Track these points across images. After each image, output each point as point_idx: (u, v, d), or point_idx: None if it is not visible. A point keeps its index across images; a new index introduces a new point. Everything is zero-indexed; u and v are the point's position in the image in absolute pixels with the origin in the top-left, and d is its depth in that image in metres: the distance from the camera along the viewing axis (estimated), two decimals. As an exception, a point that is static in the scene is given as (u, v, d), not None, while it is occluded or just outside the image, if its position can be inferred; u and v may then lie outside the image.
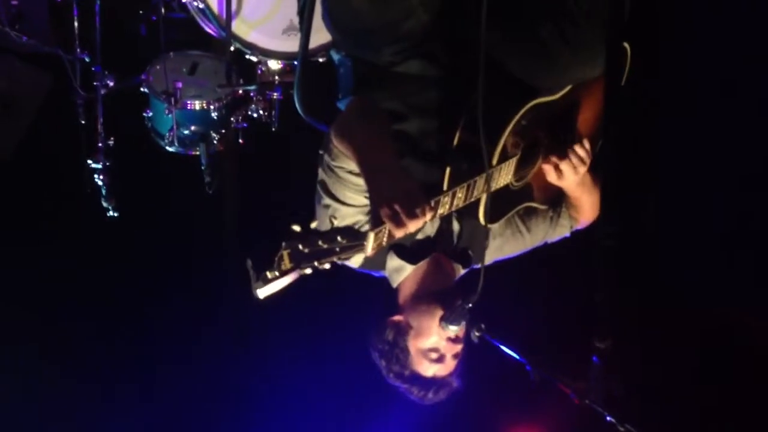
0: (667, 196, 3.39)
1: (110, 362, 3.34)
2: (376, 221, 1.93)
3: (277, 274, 1.82)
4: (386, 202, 1.92)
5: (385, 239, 1.94)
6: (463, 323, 2.19)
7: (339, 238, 1.85)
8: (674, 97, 3.32)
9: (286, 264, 1.81)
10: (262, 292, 1.83)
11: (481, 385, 2.37)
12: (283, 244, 1.81)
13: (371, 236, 1.90)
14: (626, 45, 2.17)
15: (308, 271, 1.84)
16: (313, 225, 1.86)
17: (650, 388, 2.97)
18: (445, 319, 2.22)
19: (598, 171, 2.32)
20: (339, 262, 1.86)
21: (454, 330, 2.22)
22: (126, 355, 3.36)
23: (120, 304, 3.46)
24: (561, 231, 2.47)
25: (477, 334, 2.19)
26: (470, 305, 2.16)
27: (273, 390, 3.33)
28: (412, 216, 1.90)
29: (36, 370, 3.27)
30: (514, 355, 2.09)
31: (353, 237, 1.87)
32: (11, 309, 3.35)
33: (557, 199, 2.43)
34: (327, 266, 1.87)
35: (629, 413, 1.78)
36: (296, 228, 1.82)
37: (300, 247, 1.82)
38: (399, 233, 1.92)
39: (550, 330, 3.17)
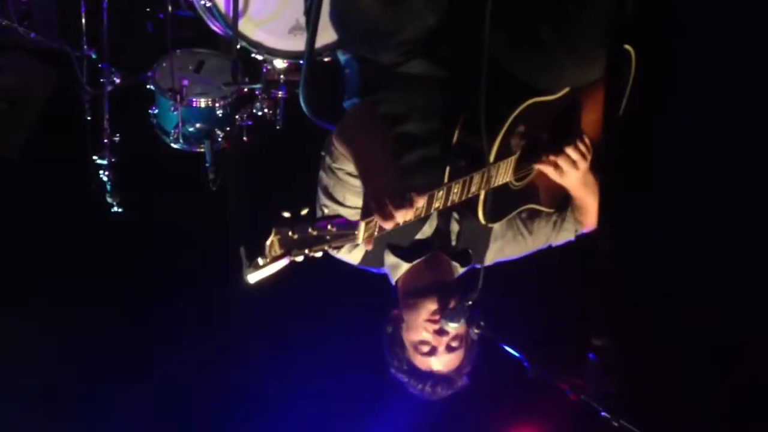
0: (669, 197, 3.40)
1: (113, 357, 3.35)
2: (366, 213, 1.93)
3: (267, 260, 1.80)
4: (375, 194, 1.92)
5: (375, 230, 1.92)
6: (463, 321, 2.21)
7: (329, 227, 1.84)
8: (679, 96, 3.34)
9: (276, 250, 1.80)
10: (252, 278, 1.82)
11: (479, 381, 2.39)
12: (273, 230, 1.80)
13: (362, 226, 1.88)
14: (630, 49, 2.18)
15: (299, 258, 1.83)
16: (304, 212, 1.83)
17: (646, 385, 3.00)
18: (444, 317, 2.24)
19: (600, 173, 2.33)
20: (331, 250, 1.85)
21: (453, 327, 2.25)
22: (128, 351, 3.37)
23: (123, 299, 3.47)
24: (565, 235, 2.47)
25: (476, 331, 2.21)
26: (470, 303, 2.19)
27: (275, 388, 3.35)
28: (399, 207, 1.89)
29: (39, 365, 3.29)
30: (513, 352, 2.11)
31: (344, 226, 1.86)
32: (15, 305, 3.36)
33: (563, 203, 2.43)
34: (318, 254, 1.85)
35: (624, 409, 1.81)
36: (286, 214, 1.81)
37: (290, 233, 1.80)
38: (388, 225, 1.91)
39: (548, 327, 3.19)
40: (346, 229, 1.87)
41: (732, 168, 3.33)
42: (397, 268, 2.38)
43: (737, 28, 3.20)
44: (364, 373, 3.04)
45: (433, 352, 2.30)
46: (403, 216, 1.91)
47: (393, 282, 2.41)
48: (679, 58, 3.32)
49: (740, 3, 3.21)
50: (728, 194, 3.34)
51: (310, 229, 1.83)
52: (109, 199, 3.54)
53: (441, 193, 2.02)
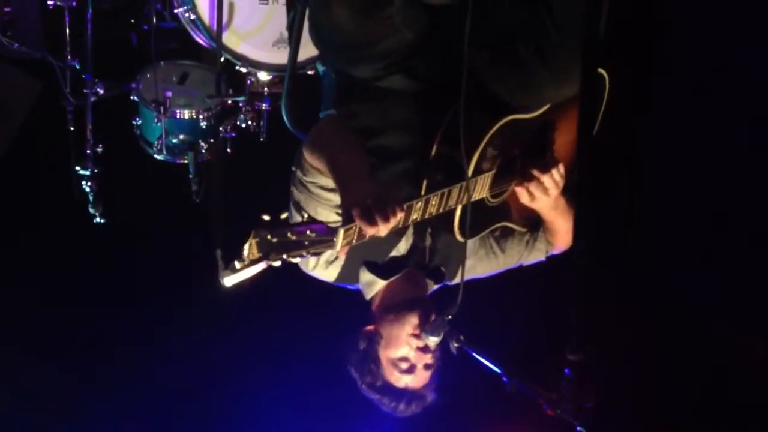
0: (653, 203, 3.43)
1: (93, 365, 3.34)
2: (347, 219, 1.92)
3: (245, 263, 1.79)
4: (358, 200, 1.91)
5: (354, 238, 1.92)
6: (442, 334, 2.23)
7: (308, 232, 1.83)
8: (660, 104, 3.37)
9: (254, 254, 1.79)
10: (229, 281, 1.80)
11: (458, 394, 2.41)
12: (252, 232, 1.79)
13: (341, 232, 1.88)
14: (603, 72, 2.21)
15: (277, 263, 1.81)
16: (284, 216, 1.83)
17: (621, 397, 3.03)
18: (425, 330, 2.25)
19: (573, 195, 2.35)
20: (307, 268, 1.85)
21: (434, 341, 2.26)
22: (109, 360, 3.36)
23: (105, 310, 3.47)
24: (536, 255, 2.49)
25: (456, 345, 2.22)
26: (450, 317, 2.20)
27: (257, 393, 3.35)
28: (383, 215, 1.89)
29: (18, 371, 3.27)
30: (491, 366, 2.13)
31: (323, 232, 1.85)
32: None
33: (536, 223, 2.45)
34: (296, 260, 1.84)
35: (598, 422, 1.83)
36: (266, 217, 1.81)
37: (268, 236, 1.79)
38: (370, 231, 1.91)
39: (526, 342, 3.21)
40: (325, 235, 1.86)
41: (719, 171, 3.36)
42: (372, 285, 2.38)
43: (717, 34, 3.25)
44: (345, 383, 3.04)
45: (411, 370, 2.31)
46: (385, 222, 1.91)
47: (367, 298, 2.42)
48: (659, 67, 3.36)
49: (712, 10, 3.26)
50: (716, 201, 3.38)
51: (289, 234, 1.81)
52: (91, 210, 3.54)
53: (419, 204, 2.02)
